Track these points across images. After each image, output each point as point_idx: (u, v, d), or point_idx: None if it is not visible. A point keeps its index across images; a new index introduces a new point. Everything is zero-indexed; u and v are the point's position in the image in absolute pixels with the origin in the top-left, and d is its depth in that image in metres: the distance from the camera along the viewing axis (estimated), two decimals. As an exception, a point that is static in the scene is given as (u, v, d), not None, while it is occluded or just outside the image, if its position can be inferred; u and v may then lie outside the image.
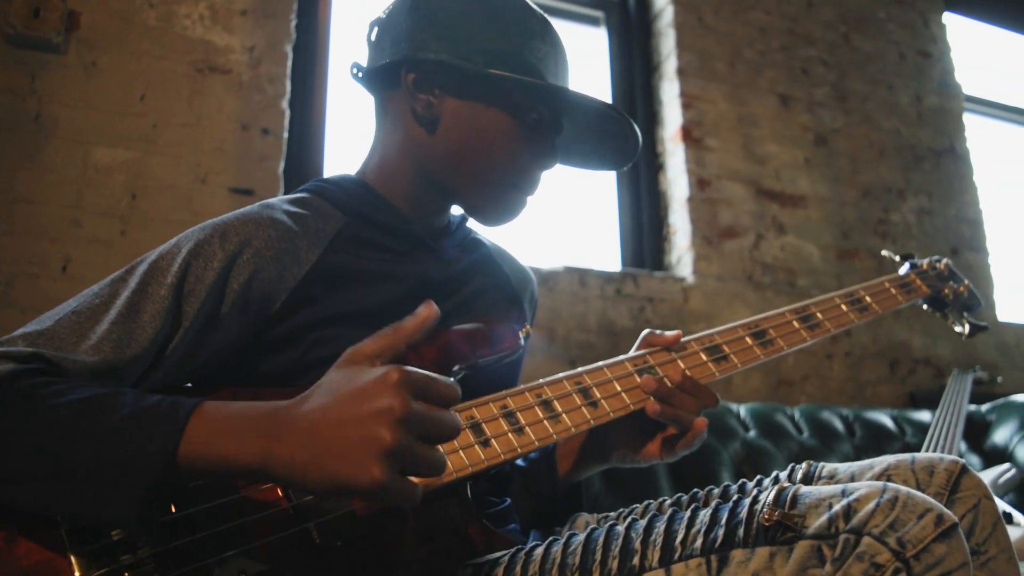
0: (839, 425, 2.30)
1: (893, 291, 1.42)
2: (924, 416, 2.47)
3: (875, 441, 2.28)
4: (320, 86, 2.69)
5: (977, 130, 3.86)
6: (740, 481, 1.05)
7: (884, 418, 2.40)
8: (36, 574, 0.74)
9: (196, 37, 2.43)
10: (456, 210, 1.23)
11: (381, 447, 0.68)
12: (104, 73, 2.30)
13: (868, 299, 1.36)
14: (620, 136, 1.18)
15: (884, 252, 1.59)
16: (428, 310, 0.80)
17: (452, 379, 0.77)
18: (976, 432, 2.38)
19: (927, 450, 2.09)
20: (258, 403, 0.77)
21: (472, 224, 1.28)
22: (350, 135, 2.77)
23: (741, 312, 2.96)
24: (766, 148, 3.23)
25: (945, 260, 1.55)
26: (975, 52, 4.17)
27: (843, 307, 1.32)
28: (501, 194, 1.15)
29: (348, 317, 1.02)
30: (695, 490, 1.07)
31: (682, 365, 1.14)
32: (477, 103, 1.11)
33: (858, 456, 2.22)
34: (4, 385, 0.78)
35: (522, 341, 1.07)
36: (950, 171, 3.59)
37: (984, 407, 2.48)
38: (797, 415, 2.29)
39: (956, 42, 3.83)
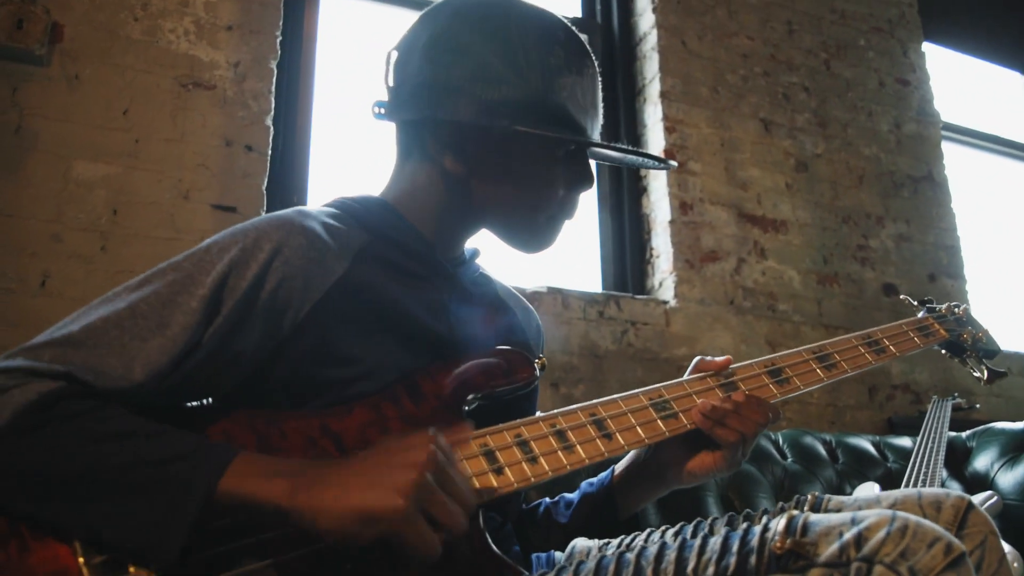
0: (822, 450, 2.31)
1: (911, 334, 1.43)
2: (905, 442, 2.48)
3: (857, 466, 2.29)
4: (305, 103, 2.68)
5: (954, 157, 3.90)
6: (745, 511, 1.05)
7: (865, 443, 2.41)
8: None
9: (181, 52, 2.41)
10: (469, 243, 1.23)
11: (408, 481, 0.75)
12: (87, 86, 2.28)
13: (886, 341, 1.37)
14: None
15: (902, 296, 1.62)
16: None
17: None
18: (957, 458, 2.39)
19: (910, 475, 2.10)
20: (296, 459, 0.87)
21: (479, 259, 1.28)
22: (334, 153, 2.76)
23: (723, 336, 2.97)
24: (748, 173, 3.24)
25: (963, 306, 1.56)
26: (952, 81, 4.23)
27: (860, 349, 1.33)
28: (540, 228, 1.15)
29: (367, 337, 1.01)
30: (698, 519, 1.07)
31: (697, 399, 1.15)
32: (504, 155, 1.10)
33: (841, 481, 2.23)
34: (46, 407, 0.79)
35: (538, 372, 1.07)
36: (928, 198, 3.63)
37: (965, 434, 2.49)
38: (781, 440, 2.29)
39: (935, 71, 3.88)
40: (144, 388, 0.87)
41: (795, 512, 0.82)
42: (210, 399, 1.01)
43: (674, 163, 1.20)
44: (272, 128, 2.48)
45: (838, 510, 0.99)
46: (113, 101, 2.30)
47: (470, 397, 1.02)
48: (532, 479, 0.96)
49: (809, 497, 1.03)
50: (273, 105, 2.50)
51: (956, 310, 1.57)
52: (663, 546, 0.86)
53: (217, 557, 0.79)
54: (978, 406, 2.92)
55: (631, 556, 0.86)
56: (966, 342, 1.53)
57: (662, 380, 2.95)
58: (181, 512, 0.76)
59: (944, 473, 2.26)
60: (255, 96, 2.47)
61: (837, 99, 3.56)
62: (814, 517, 0.81)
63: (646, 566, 0.84)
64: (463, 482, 0.81)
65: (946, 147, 3.79)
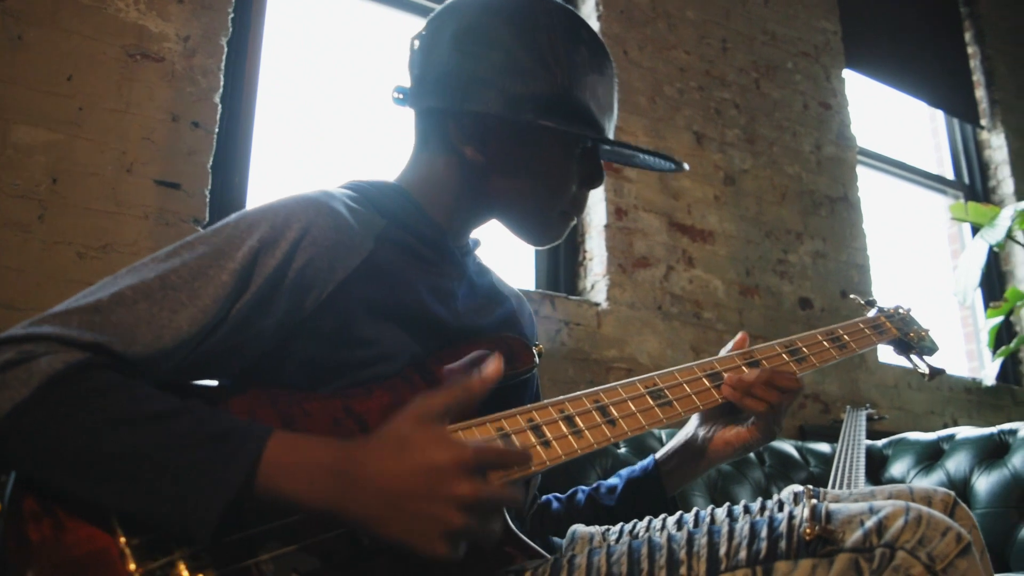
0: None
1: (867, 331, 1.51)
2: (823, 447, 2.60)
3: (783, 469, 2.39)
4: (251, 83, 2.63)
5: (867, 180, 4.09)
6: (742, 502, 1.10)
7: (789, 448, 2.52)
8: (87, 564, 0.72)
9: (130, 21, 2.34)
10: (473, 233, 1.24)
11: (450, 529, 0.75)
12: (30, 48, 2.19)
13: (846, 338, 1.44)
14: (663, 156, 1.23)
15: (852, 296, 1.70)
16: (496, 368, 0.87)
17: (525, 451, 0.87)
18: (874, 465, 2.52)
19: (834, 479, 2.21)
20: (329, 442, 0.81)
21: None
22: (278, 135, 2.72)
23: (650, 340, 3.04)
24: (680, 183, 3.33)
25: (908, 307, 1.65)
26: (869, 107, 4.43)
27: (825, 344, 1.40)
28: (551, 222, 1.18)
29: (383, 320, 1.02)
30: (696, 509, 1.12)
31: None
32: (525, 148, 1.12)
33: (768, 483, 2.32)
34: (73, 378, 0.77)
35: (536, 359, 1.10)
36: (843, 218, 3.80)
37: (880, 442, 2.62)
38: (712, 442, 2.37)
39: (853, 97, 4.06)
40: (171, 359, 0.86)
41: (815, 501, 0.87)
42: (223, 379, 1.00)
43: (686, 165, 1.23)
44: (220, 106, 2.43)
45: (835, 502, 1.05)
46: (57, 66, 2.21)
47: None
48: (547, 463, 0.98)
49: (805, 489, 1.08)
50: (222, 83, 2.45)
51: (901, 310, 1.66)
52: (692, 530, 0.90)
53: (251, 539, 0.79)
54: (886, 417, 3.08)
55: (661, 540, 0.90)
56: (912, 340, 1.62)
57: (593, 380, 2.96)
58: (213, 498, 0.74)
59: (864, 479, 2.38)
60: (204, 72, 2.41)
61: (765, 118, 3.70)
62: (834, 506, 0.87)
63: (677, 549, 0.88)
64: (507, 496, 0.80)
65: (860, 170, 3.98)
